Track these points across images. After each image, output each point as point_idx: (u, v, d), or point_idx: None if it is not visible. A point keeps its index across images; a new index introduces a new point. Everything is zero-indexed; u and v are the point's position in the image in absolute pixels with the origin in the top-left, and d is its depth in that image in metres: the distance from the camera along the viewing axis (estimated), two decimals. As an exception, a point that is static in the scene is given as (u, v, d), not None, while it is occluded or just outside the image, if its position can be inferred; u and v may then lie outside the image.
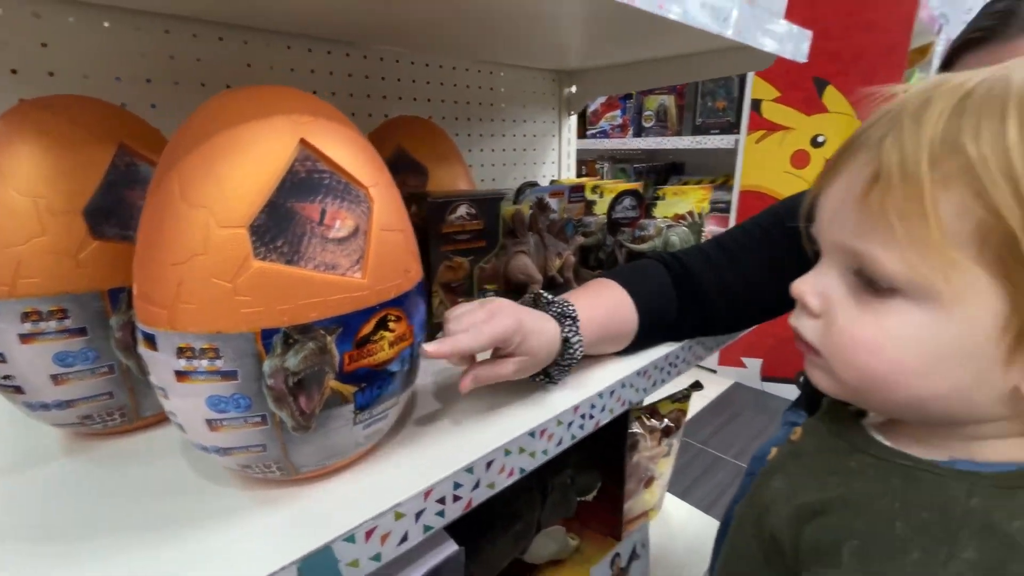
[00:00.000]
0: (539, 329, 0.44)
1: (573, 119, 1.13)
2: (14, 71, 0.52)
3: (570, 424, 0.49)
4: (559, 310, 0.48)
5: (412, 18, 0.63)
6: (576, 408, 0.49)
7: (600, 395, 0.51)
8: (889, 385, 0.27)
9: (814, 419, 0.36)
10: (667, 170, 2.70)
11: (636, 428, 0.89)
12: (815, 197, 0.31)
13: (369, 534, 0.34)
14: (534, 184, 1.03)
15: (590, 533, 0.80)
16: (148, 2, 0.55)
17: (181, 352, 0.30)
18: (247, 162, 0.30)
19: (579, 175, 2.86)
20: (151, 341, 0.31)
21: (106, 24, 0.56)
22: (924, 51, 1.83)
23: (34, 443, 0.44)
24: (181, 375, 0.31)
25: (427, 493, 0.38)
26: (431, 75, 0.88)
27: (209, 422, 0.32)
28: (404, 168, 0.68)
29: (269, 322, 0.30)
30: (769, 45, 0.70)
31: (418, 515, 0.38)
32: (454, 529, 0.43)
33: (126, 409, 0.43)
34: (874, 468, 0.28)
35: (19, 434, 0.45)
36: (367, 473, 0.39)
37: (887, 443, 0.30)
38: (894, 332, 0.25)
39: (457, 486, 0.40)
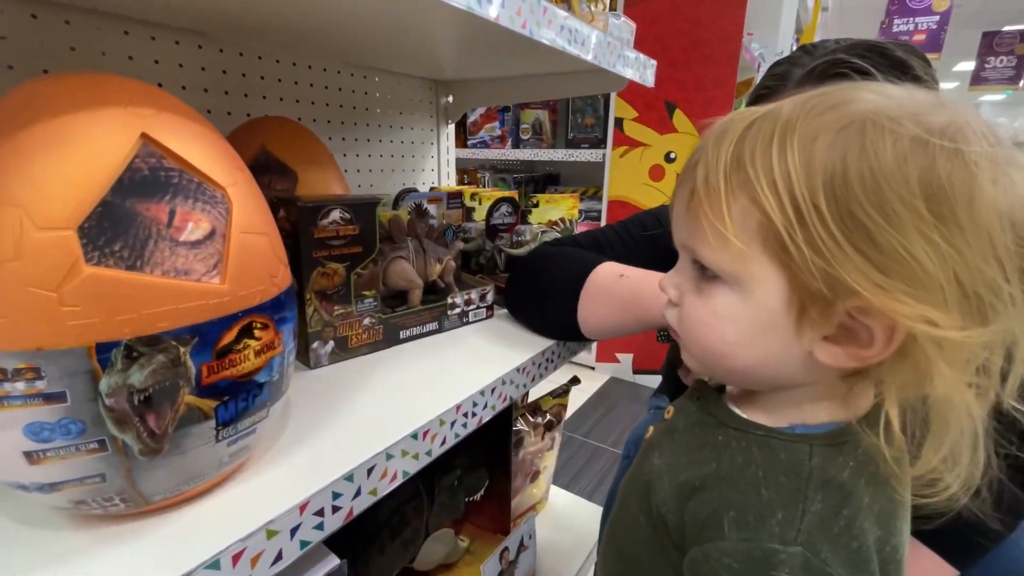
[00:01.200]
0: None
1: (451, 128, 1.15)
2: None
3: (453, 423, 0.50)
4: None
5: (269, 14, 0.60)
6: (458, 407, 0.50)
7: (482, 392, 0.53)
8: (723, 356, 0.32)
9: (684, 398, 0.40)
10: (544, 180, 2.84)
11: (520, 425, 0.92)
12: (670, 208, 0.36)
13: (237, 557, 0.32)
14: (413, 190, 1.03)
15: (479, 531, 0.82)
16: None
17: (-12, 375, 0.26)
18: (74, 156, 0.26)
19: (462, 183, 2.89)
20: (-56, 365, 0.26)
21: None
22: (748, 84, 2.16)
23: None
24: (-12, 402, 0.26)
25: (303, 507, 0.36)
26: (300, 75, 0.84)
27: (28, 454, 0.27)
28: (269, 170, 0.64)
29: (106, 335, 0.27)
30: (622, 70, 0.78)
31: (293, 531, 0.36)
32: (336, 542, 0.42)
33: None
34: (736, 440, 0.32)
35: None
36: (233, 493, 0.37)
37: (744, 415, 0.34)
38: (718, 311, 0.31)
39: (336, 496, 0.38)
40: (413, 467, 0.45)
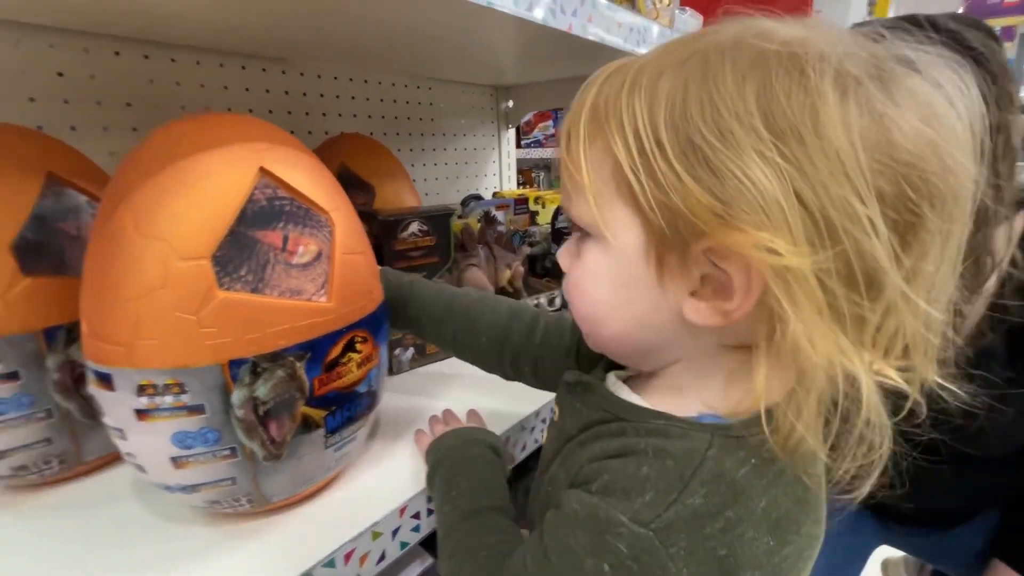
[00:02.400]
0: None
1: (511, 132, 1.16)
2: None
3: (532, 428, 0.51)
4: None
5: (343, 38, 0.63)
6: (537, 413, 0.51)
7: None
8: (597, 320, 0.29)
9: (565, 394, 0.35)
10: None
11: None
12: None
13: (348, 556, 0.34)
14: (478, 197, 1.05)
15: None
16: (65, 18, 0.51)
17: (142, 389, 0.29)
18: (206, 192, 0.29)
19: (519, 185, 2.90)
20: (106, 380, 0.29)
21: (85, 49, 0.53)
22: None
23: (-44, 502, 0.40)
24: (142, 413, 0.29)
25: (402, 510, 0.38)
26: (369, 91, 0.88)
27: (174, 459, 0.31)
28: (350, 186, 0.67)
29: (237, 352, 0.30)
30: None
31: (395, 532, 0.38)
32: (430, 543, 0.44)
33: (66, 455, 0.40)
34: (634, 430, 0.28)
35: (-64, 494, 0.40)
36: (339, 496, 0.39)
37: (645, 404, 0.29)
38: (588, 268, 0.28)
39: (431, 499, 0.40)
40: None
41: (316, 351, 0.33)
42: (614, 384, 0.32)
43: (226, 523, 0.36)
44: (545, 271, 0.89)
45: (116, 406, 0.30)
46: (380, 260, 0.56)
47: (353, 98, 0.85)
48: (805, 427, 0.23)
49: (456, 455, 0.40)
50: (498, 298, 0.46)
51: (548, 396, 0.52)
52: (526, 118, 2.68)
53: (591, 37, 0.57)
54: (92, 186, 0.40)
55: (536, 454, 0.54)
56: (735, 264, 0.23)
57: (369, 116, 0.88)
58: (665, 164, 0.23)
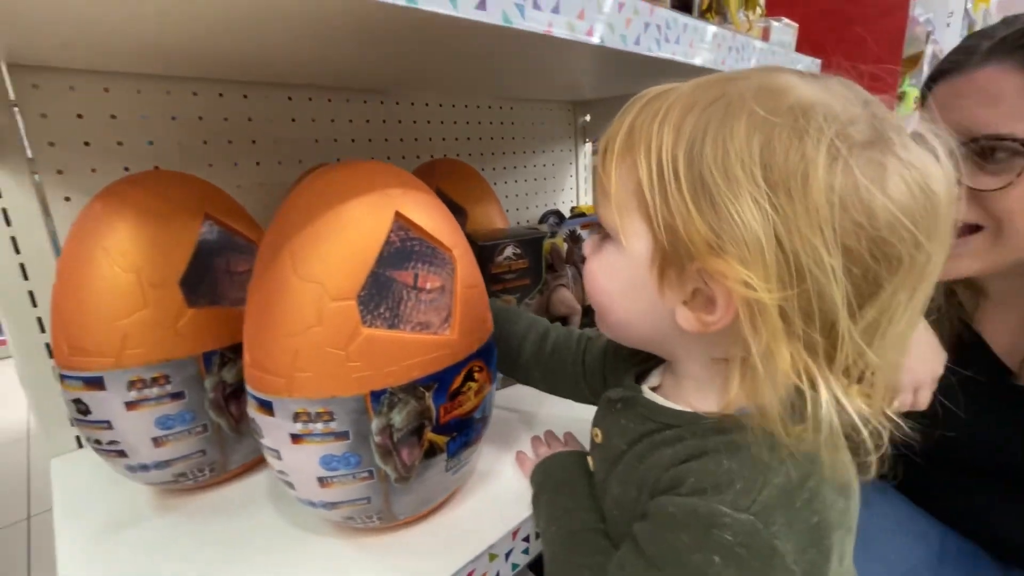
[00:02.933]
0: None
1: (588, 146, 1.16)
2: (86, 143, 0.55)
3: None
4: None
5: (438, 70, 0.66)
6: None
7: None
8: (604, 307, 0.33)
9: (605, 414, 0.38)
10: None
11: None
12: None
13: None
14: (557, 212, 1.06)
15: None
16: (199, 69, 0.58)
17: (297, 416, 0.32)
18: (352, 238, 0.32)
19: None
20: (267, 407, 0.33)
21: (194, 93, 0.60)
22: (916, 60, 1.87)
23: (126, 502, 0.45)
24: (296, 438, 0.32)
25: (514, 533, 0.40)
26: (456, 115, 0.91)
27: (320, 479, 0.34)
28: None
29: (377, 384, 0.32)
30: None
31: (507, 555, 0.39)
32: (534, 566, 0.45)
33: (216, 464, 0.45)
34: (691, 433, 0.31)
35: (108, 494, 0.46)
36: (456, 516, 0.41)
37: (689, 409, 0.32)
38: (602, 263, 0.32)
39: (536, 521, 0.41)
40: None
41: (442, 381, 0.35)
42: (650, 395, 0.35)
43: (354, 536, 0.39)
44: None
45: (274, 430, 0.33)
46: None
47: (442, 123, 0.89)
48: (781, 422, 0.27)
49: (559, 477, 0.41)
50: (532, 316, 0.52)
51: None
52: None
53: (667, 55, 0.56)
54: (233, 221, 0.45)
55: None
56: (719, 286, 0.27)
57: (456, 139, 0.92)
58: (677, 192, 0.27)
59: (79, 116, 0.54)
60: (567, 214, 1.06)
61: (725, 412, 0.29)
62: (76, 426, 0.41)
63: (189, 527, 0.42)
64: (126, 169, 0.57)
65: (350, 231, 0.32)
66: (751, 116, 0.26)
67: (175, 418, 0.41)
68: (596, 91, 1.01)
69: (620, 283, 0.32)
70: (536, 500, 0.41)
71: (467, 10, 0.31)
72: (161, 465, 0.42)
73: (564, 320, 0.71)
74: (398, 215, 0.34)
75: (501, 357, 0.47)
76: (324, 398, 0.32)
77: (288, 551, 0.39)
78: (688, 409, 0.32)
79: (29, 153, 0.51)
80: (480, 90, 0.90)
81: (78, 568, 0.38)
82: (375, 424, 0.33)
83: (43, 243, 0.51)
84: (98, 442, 0.40)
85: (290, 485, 0.35)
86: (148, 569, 0.38)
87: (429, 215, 0.36)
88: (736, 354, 0.28)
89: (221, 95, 0.63)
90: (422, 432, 0.35)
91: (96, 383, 0.38)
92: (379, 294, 0.33)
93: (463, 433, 0.38)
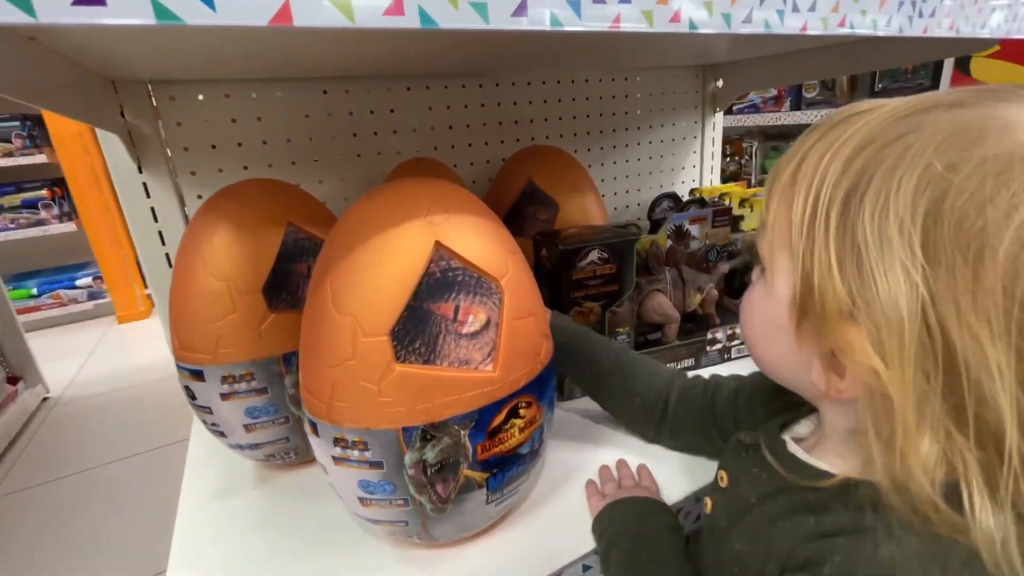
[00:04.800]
0: None
1: (719, 116, 1.02)
2: (213, 147, 0.62)
3: None
4: None
5: (544, 48, 0.61)
6: None
7: None
8: (749, 342, 0.32)
9: (735, 456, 0.34)
10: None
11: None
12: None
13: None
14: (673, 196, 0.95)
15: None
16: (303, 70, 0.60)
17: (337, 441, 0.33)
18: (388, 271, 0.31)
19: (724, 156, 2.58)
20: (314, 427, 0.34)
21: (278, 94, 0.64)
22: None
23: (236, 470, 0.52)
24: (337, 460, 0.34)
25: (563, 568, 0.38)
26: (562, 92, 0.86)
27: (361, 500, 0.35)
28: (535, 202, 0.67)
29: (409, 420, 0.32)
30: (994, 23, 0.54)
31: (548, 592, 0.37)
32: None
33: (299, 449, 0.49)
34: (841, 500, 0.27)
35: (225, 462, 0.54)
36: (500, 543, 0.40)
37: (836, 471, 0.27)
38: (752, 297, 0.31)
39: (587, 568, 0.39)
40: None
41: (480, 420, 0.34)
42: (793, 448, 0.31)
43: (403, 547, 0.40)
44: (744, 287, 0.77)
45: (320, 449, 0.35)
46: (557, 287, 0.56)
47: (545, 102, 0.84)
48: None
49: (634, 530, 0.38)
50: (656, 362, 0.50)
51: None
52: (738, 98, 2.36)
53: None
54: (313, 226, 0.47)
55: None
56: (848, 357, 0.24)
57: (560, 117, 0.86)
58: (824, 241, 0.24)
59: (206, 122, 0.60)
60: (685, 197, 0.95)
61: (880, 483, 0.25)
62: (191, 407, 0.47)
63: (277, 502, 0.47)
64: (245, 168, 0.63)
65: (386, 263, 0.31)
66: (926, 169, 0.22)
67: (261, 409, 0.45)
68: (733, 51, 0.87)
69: (762, 322, 0.30)
70: (605, 558, 0.38)
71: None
72: (253, 447, 0.47)
73: (658, 327, 0.65)
74: (438, 244, 0.32)
75: (631, 411, 0.49)
76: (359, 428, 0.32)
77: (340, 543, 0.41)
78: (835, 472, 0.28)
79: (170, 158, 0.59)
80: (591, 63, 0.82)
81: (193, 525, 0.45)
82: (408, 458, 0.33)
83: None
84: (205, 422, 0.46)
85: (340, 497, 0.37)
86: (243, 535, 0.43)
87: (476, 241, 0.34)
88: (871, 429, 0.24)
89: (325, 92, 0.66)
90: (458, 468, 0.34)
91: (198, 375, 0.43)
92: (415, 329, 0.32)
93: (505, 470, 0.36)
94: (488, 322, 0.34)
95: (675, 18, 0.32)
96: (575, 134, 0.89)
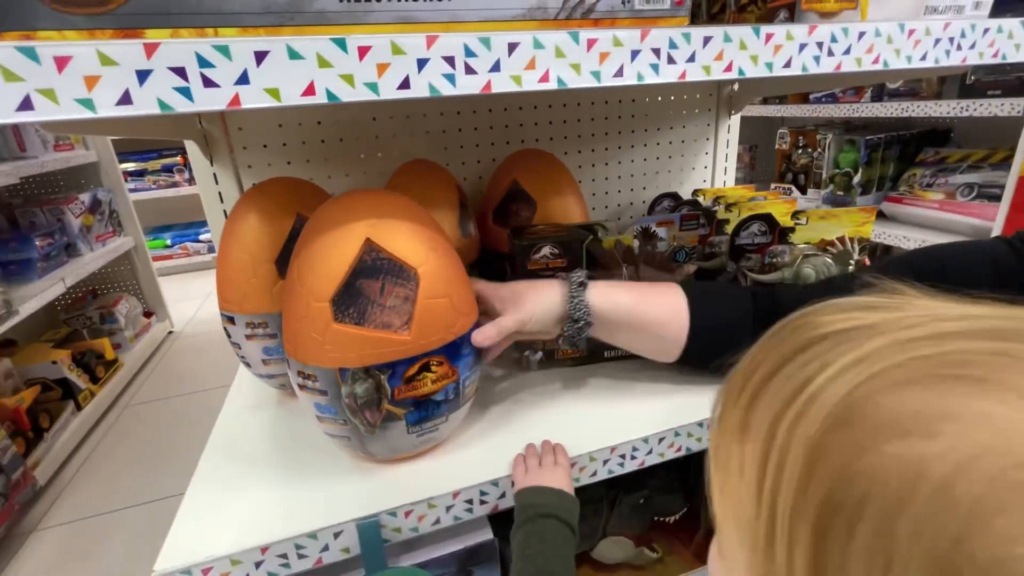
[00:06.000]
0: (538, 290, 0.55)
1: (735, 119, 1.03)
2: (264, 146, 0.78)
3: (606, 461, 0.54)
4: (573, 278, 0.55)
5: None
6: (613, 448, 0.53)
7: (645, 440, 0.54)
8: None
9: None
10: (919, 140, 2.12)
11: None
12: None
13: (408, 514, 0.48)
14: (673, 195, 0.98)
15: (679, 548, 0.82)
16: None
17: (299, 373, 0.47)
18: (331, 256, 0.44)
19: (796, 147, 2.41)
20: (288, 364, 0.48)
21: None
22: None
23: (264, 393, 0.69)
24: (301, 387, 0.47)
25: (455, 494, 0.49)
26: (567, 96, 0.91)
27: (318, 417, 0.48)
28: (517, 200, 0.77)
29: (343, 363, 0.44)
30: None
31: (448, 508, 0.49)
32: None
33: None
34: None
35: (259, 387, 0.71)
36: (423, 466, 0.52)
37: None
38: (711, 558, 0.25)
39: (483, 493, 0.50)
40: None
41: (396, 370, 0.45)
42: None
43: (356, 459, 0.54)
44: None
45: (293, 379, 0.48)
46: (515, 276, 0.66)
47: (550, 106, 0.91)
48: None
49: (539, 522, 0.46)
50: None
51: (626, 436, 0.54)
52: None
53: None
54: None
55: (650, 471, 0.57)
56: None
57: (564, 121, 0.92)
58: (785, 553, 0.18)
59: (259, 127, 0.76)
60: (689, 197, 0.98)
61: None
62: (229, 343, 0.63)
63: (287, 418, 0.63)
64: (288, 163, 0.78)
65: (330, 251, 0.44)
66: (945, 548, 0.14)
67: (273, 350, 0.60)
68: None
69: None
70: (514, 533, 0.46)
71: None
72: (269, 376, 0.63)
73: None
74: (368, 240, 0.44)
75: None
76: (312, 365, 0.45)
77: (321, 452, 0.55)
78: None
79: (232, 154, 0.75)
80: None
81: (228, 429, 0.62)
82: (344, 391, 0.45)
83: (240, 215, 0.76)
84: (237, 354, 0.63)
85: (308, 416, 0.51)
86: (261, 437, 0.59)
87: (400, 239, 0.45)
88: None
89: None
90: (380, 403, 0.46)
91: (232, 320, 0.59)
92: (350, 299, 0.44)
93: (421, 409, 0.48)
94: (406, 298, 0.45)
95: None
96: (579, 136, 0.95)
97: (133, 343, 1.94)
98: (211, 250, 2.81)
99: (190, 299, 2.59)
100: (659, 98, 0.98)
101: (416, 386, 0.47)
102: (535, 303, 0.54)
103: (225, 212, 0.76)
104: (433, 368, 0.47)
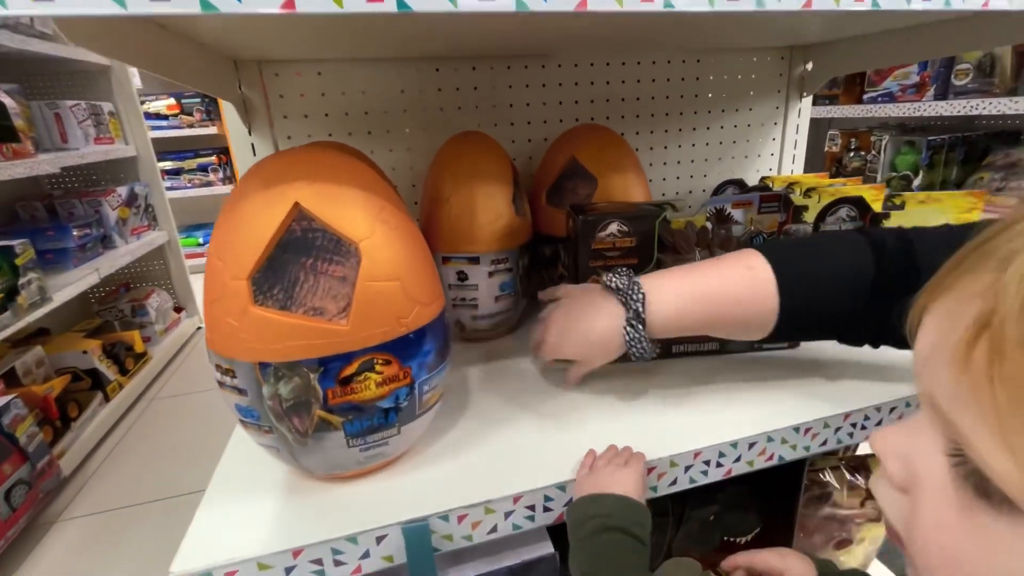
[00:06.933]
0: (587, 328, 0.50)
1: (806, 102, 0.90)
2: (305, 116, 0.74)
3: (688, 467, 0.47)
4: (628, 306, 0.47)
5: (613, 29, 0.62)
6: (697, 453, 0.46)
7: (734, 445, 0.47)
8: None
9: None
10: (987, 141, 1.85)
11: (829, 478, 0.74)
12: (922, 311, 0.23)
13: (462, 519, 0.42)
14: (738, 183, 0.88)
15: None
16: (380, 52, 0.70)
17: (217, 367, 0.40)
18: (252, 225, 0.37)
19: (848, 149, 2.25)
20: (209, 355, 0.42)
21: (378, 71, 0.74)
22: None
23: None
24: (219, 383, 0.41)
25: (516, 498, 0.43)
26: (625, 74, 0.85)
27: (241, 421, 0.42)
28: (575, 177, 0.70)
29: (264, 357, 0.38)
30: None
31: (508, 514, 0.43)
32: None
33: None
34: None
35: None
36: (371, 487, 0.45)
37: None
38: (1010, 567, 0.18)
39: (548, 499, 0.44)
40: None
41: (329, 367, 0.38)
42: None
43: (295, 477, 0.47)
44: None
45: (213, 374, 0.42)
46: (576, 255, 0.60)
47: (608, 83, 0.84)
48: None
49: (602, 538, 0.38)
50: None
51: (708, 441, 0.46)
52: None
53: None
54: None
55: (720, 485, 0.50)
56: None
57: (623, 99, 0.86)
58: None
59: (301, 95, 0.73)
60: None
61: None
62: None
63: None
64: (329, 135, 0.75)
65: (252, 218, 0.37)
66: None
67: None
68: (829, 30, 0.76)
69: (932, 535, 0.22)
70: (572, 556, 0.40)
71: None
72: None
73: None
74: (298, 206, 0.37)
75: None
76: (228, 357, 0.39)
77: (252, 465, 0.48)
78: None
79: (272, 124, 0.72)
80: (667, 44, 0.79)
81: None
82: (266, 390, 0.38)
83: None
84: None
85: (237, 418, 0.45)
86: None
87: (337, 206, 0.38)
88: None
89: (399, 71, 0.74)
90: (310, 407, 0.39)
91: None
92: (274, 277, 0.37)
93: (363, 418, 0.40)
94: (344, 279, 0.38)
95: None
96: (637, 116, 0.88)
97: (162, 337, 2.01)
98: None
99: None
100: (725, 77, 0.88)
101: (355, 389, 0.39)
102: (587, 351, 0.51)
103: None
104: (378, 368, 0.40)
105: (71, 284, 1.58)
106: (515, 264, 0.67)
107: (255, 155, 0.70)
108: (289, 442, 0.41)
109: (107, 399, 1.71)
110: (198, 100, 2.69)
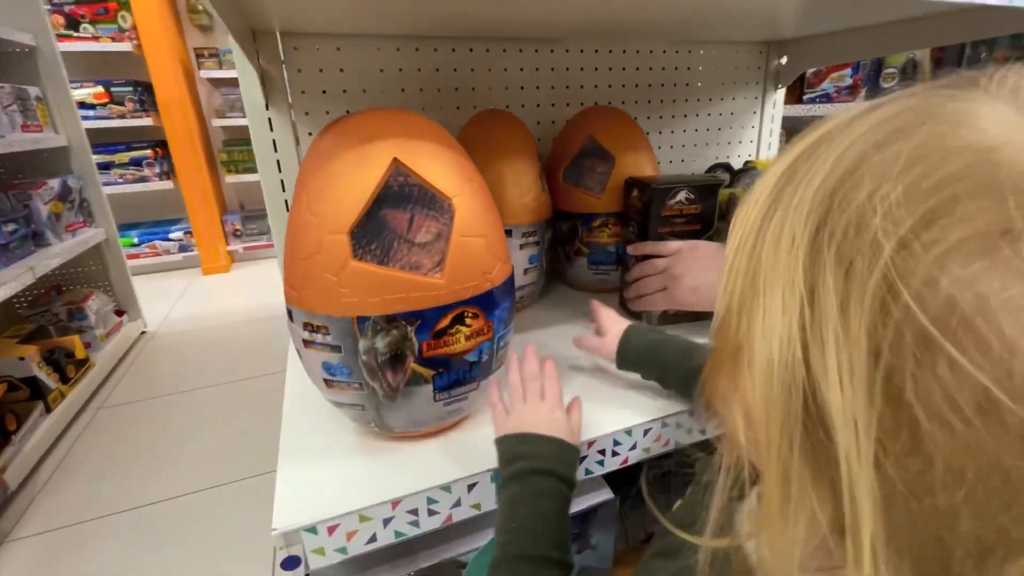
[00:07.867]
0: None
1: (780, 93, 1.00)
2: (324, 91, 0.74)
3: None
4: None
5: (616, 18, 0.67)
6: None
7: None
8: None
9: None
10: None
11: None
12: None
13: (396, 504, 0.42)
14: (725, 166, 0.95)
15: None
16: (401, 29, 0.71)
17: (306, 326, 0.41)
18: (351, 180, 0.39)
19: (786, 142, 2.44)
20: (290, 315, 0.43)
21: (397, 48, 0.74)
22: None
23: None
24: (307, 343, 0.42)
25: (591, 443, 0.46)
26: (627, 61, 0.90)
27: (326, 381, 0.43)
28: (594, 155, 0.75)
29: (362, 311, 0.39)
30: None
31: (468, 490, 0.44)
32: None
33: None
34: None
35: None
36: (445, 442, 0.47)
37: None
38: None
39: (616, 443, 0.47)
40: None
41: (425, 320, 0.40)
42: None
43: (368, 436, 0.48)
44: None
45: (295, 335, 0.43)
46: (646, 223, 0.64)
47: (610, 69, 0.89)
48: None
49: (524, 482, 0.39)
50: None
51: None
52: (814, 67, 2.19)
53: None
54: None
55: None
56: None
57: (623, 85, 0.92)
58: (735, 272, 0.23)
59: (320, 71, 0.72)
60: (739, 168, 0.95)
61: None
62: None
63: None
64: (347, 111, 0.74)
65: (351, 173, 0.39)
66: (830, 173, 0.18)
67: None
68: (801, 27, 0.85)
69: None
70: (499, 491, 0.41)
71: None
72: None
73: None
74: (396, 161, 0.39)
75: None
76: (322, 314, 0.40)
77: (328, 432, 0.49)
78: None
79: (290, 99, 0.70)
80: (658, 35, 0.86)
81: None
82: (362, 345, 0.40)
83: (295, 165, 0.71)
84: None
85: (313, 382, 0.45)
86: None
87: (433, 163, 0.40)
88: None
89: (417, 49, 0.75)
90: (405, 360, 0.41)
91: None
92: (373, 232, 0.39)
93: (452, 371, 0.43)
94: (439, 235, 0.40)
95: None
96: (636, 101, 0.93)
97: (104, 342, 1.87)
98: (181, 249, 2.75)
99: (162, 299, 2.53)
100: (712, 67, 0.96)
101: (448, 341, 0.41)
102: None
103: (279, 163, 0.71)
104: (468, 321, 0.42)
105: (3, 285, 1.45)
106: (542, 238, 0.70)
107: (272, 131, 0.69)
108: (377, 398, 0.42)
109: (48, 409, 1.58)
110: (130, 89, 2.50)
